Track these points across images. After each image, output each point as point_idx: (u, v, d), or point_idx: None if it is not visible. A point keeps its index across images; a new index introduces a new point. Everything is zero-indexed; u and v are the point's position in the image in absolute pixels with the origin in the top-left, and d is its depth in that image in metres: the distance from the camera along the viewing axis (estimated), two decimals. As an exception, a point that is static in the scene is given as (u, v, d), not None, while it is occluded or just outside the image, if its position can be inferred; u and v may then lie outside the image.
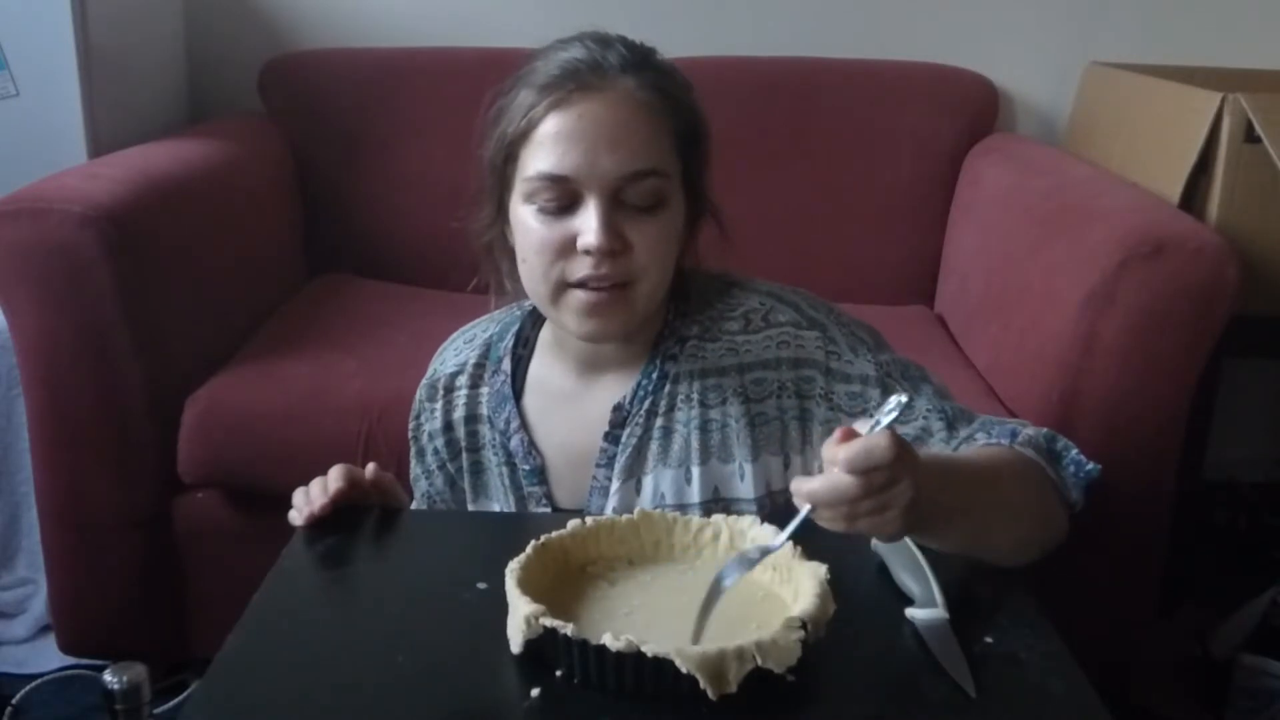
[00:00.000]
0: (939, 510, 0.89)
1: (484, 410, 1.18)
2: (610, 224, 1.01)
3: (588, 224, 1.01)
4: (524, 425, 1.16)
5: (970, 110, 2.20)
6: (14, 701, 1.66)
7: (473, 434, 1.19)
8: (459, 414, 1.19)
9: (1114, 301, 1.46)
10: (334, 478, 1.09)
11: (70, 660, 1.78)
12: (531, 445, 1.16)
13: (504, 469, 1.17)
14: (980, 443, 1.06)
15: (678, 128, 1.06)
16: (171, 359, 1.65)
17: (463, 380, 1.19)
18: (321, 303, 2.02)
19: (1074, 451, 1.07)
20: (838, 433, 0.85)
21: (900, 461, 0.82)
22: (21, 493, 1.85)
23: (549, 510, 1.16)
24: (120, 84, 1.96)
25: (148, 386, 1.61)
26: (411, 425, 1.24)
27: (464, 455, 1.20)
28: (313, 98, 2.20)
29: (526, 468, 1.16)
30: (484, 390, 1.19)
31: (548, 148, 1.02)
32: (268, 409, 1.64)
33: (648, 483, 1.12)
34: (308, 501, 1.08)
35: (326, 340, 1.81)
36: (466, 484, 1.20)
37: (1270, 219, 1.69)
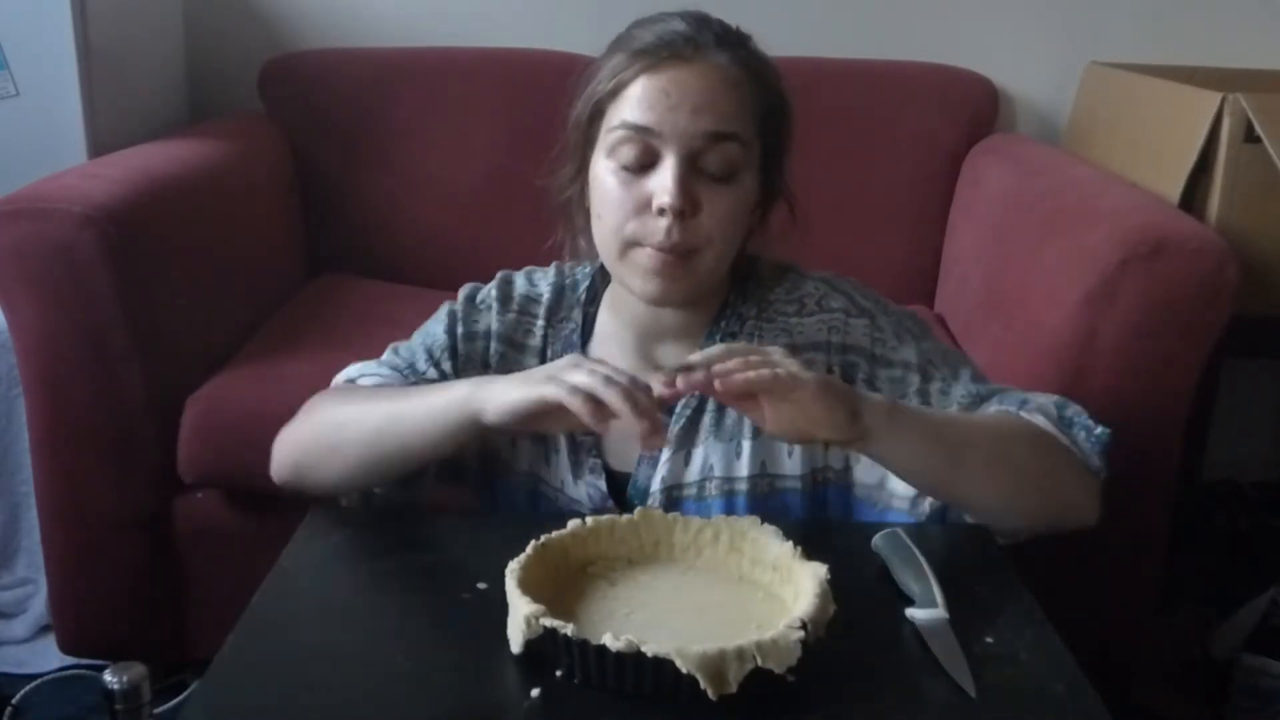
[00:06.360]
0: (899, 421, 0.98)
1: (550, 355, 1.19)
2: (684, 185, 1.05)
3: (662, 183, 1.05)
4: None
5: (970, 110, 2.20)
6: (14, 701, 1.66)
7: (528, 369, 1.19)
8: (534, 342, 1.20)
9: (1114, 301, 1.46)
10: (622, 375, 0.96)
11: (70, 660, 1.78)
12: None
13: None
14: (991, 411, 1.11)
15: (762, 107, 1.10)
16: (171, 359, 1.65)
17: (539, 310, 1.21)
18: (321, 303, 2.02)
19: (1083, 417, 1.10)
20: None
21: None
22: (21, 493, 1.84)
23: (599, 460, 1.16)
24: (120, 84, 1.95)
25: (148, 386, 1.61)
26: (461, 307, 1.21)
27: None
28: (313, 98, 2.20)
29: None
30: (551, 333, 1.20)
31: (634, 102, 1.06)
32: (268, 409, 1.62)
33: (697, 454, 1.14)
34: (630, 400, 0.93)
35: (326, 340, 1.81)
36: None
37: (1270, 219, 1.69)
